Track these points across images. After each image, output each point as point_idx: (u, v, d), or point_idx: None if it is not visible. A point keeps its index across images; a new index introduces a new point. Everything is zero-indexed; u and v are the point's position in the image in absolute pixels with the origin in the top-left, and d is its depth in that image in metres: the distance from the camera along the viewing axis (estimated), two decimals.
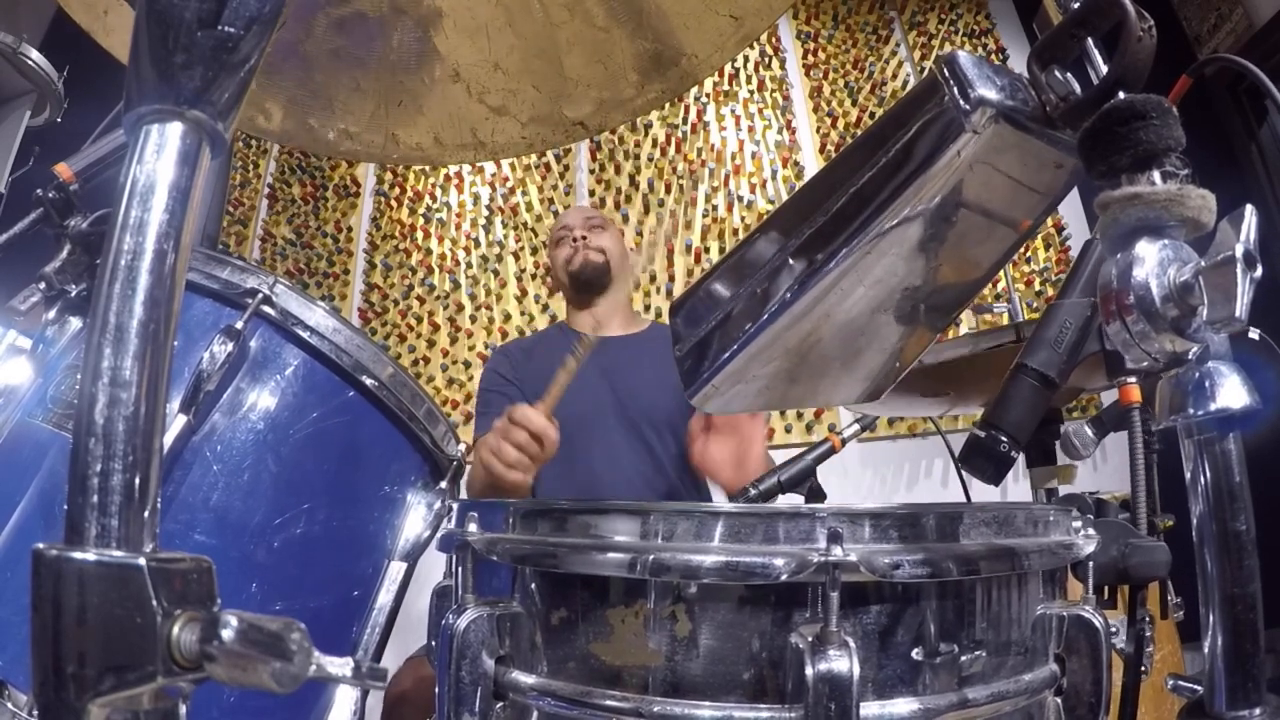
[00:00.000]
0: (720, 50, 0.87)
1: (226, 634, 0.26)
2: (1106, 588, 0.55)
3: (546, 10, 0.85)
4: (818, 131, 2.61)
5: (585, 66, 0.89)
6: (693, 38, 0.86)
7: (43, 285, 0.74)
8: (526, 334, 2.38)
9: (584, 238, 1.59)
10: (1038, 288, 2.34)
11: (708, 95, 2.66)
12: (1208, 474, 0.39)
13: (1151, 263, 0.35)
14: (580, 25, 0.86)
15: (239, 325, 0.67)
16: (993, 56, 2.65)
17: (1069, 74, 0.41)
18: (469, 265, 2.54)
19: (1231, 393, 0.36)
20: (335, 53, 0.87)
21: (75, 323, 0.75)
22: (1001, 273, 2.02)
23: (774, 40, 2.74)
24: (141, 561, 0.26)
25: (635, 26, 0.86)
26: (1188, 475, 0.40)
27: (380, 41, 0.88)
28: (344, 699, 0.69)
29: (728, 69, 2.65)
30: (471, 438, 1.48)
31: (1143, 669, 0.59)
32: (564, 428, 1.40)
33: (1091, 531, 0.52)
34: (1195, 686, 0.43)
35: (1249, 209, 0.36)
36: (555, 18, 0.86)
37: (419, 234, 2.60)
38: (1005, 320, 1.99)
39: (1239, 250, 0.34)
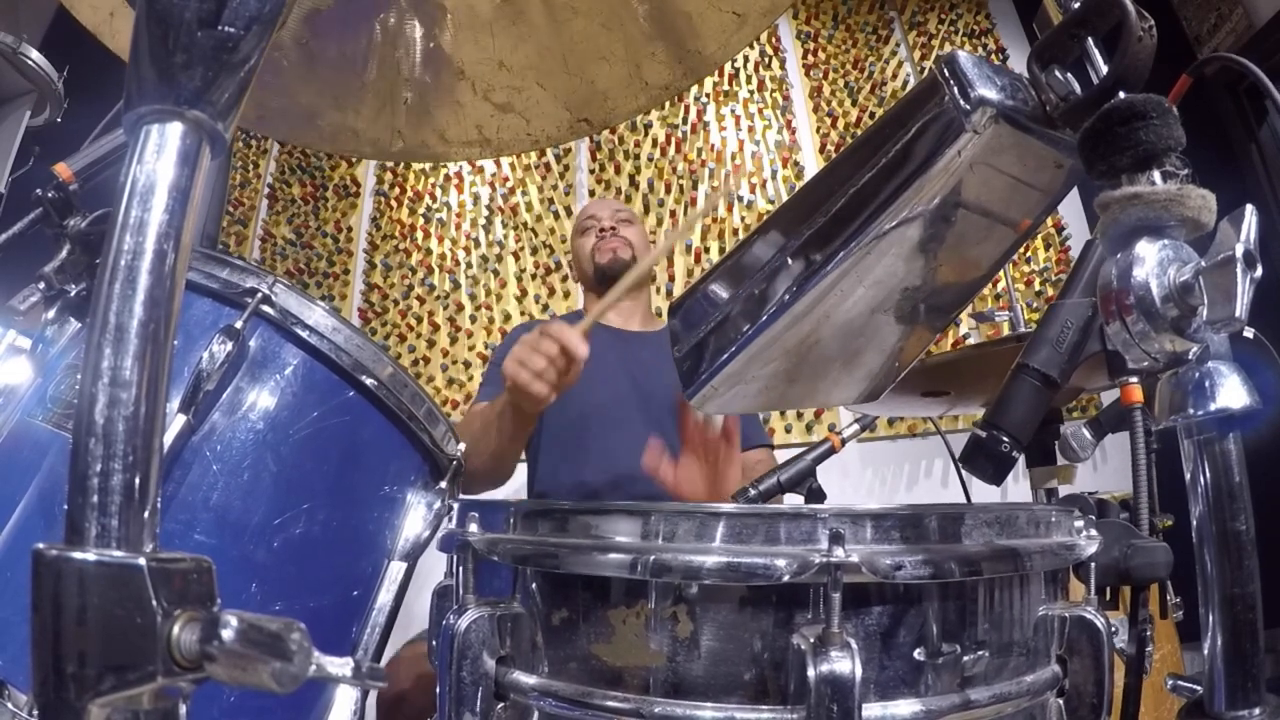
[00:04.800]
0: (724, 47, 0.87)
1: (226, 634, 0.26)
2: (1108, 588, 0.55)
3: (551, 7, 0.85)
4: (818, 131, 2.61)
5: (590, 63, 0.90)
6: (697, 33, 0.86)
7: (42, 285, 0.74)
8: None
9: (612, 229, 1.55)
10: (1038, 288, 2.34)
11: (708, 95, 2.66)
12: (1207, 474, 0.39)
13: (1151, 263, 0.35)
14: (584, 22, 0.86)
15: (239, 325, 0.67)
16: (993, 56, 2.65)
17: (1069, 74, 0.41)
18: (469, 265, 2.54)
19: (1231, 393, 0.36)
20: (341, 50, 0.87)
21: (75, 323, 0.75)
22: (1001, 273, 2.02)
23: (774, 40, 2.74)
24: (141, 561, 0.26)
25: (640, 22, 0.86)
26: (1187, 475, 0.40)
27: (386, 39, 0.88)
28: (344, 699, 0.69)
29: (727, 69, 2.65)
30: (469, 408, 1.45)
31: (1143, 669, 0.59)
32: (587, 417, 1.37)
33: (1093, 532, 0.52)
34: (1195, 686, 0.43)
35: (1249, 209, 0.36)
36: (559, 15, 0.86)
37: (419, 234, 2.60)
38: (1007, 329, 1.98)
39: (1239, 250, 0.34)
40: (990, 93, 0.40)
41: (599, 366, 1.41)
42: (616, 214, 1.61)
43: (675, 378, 0.51)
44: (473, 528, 0.49)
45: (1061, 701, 0.49)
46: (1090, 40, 0.40)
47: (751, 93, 2.67)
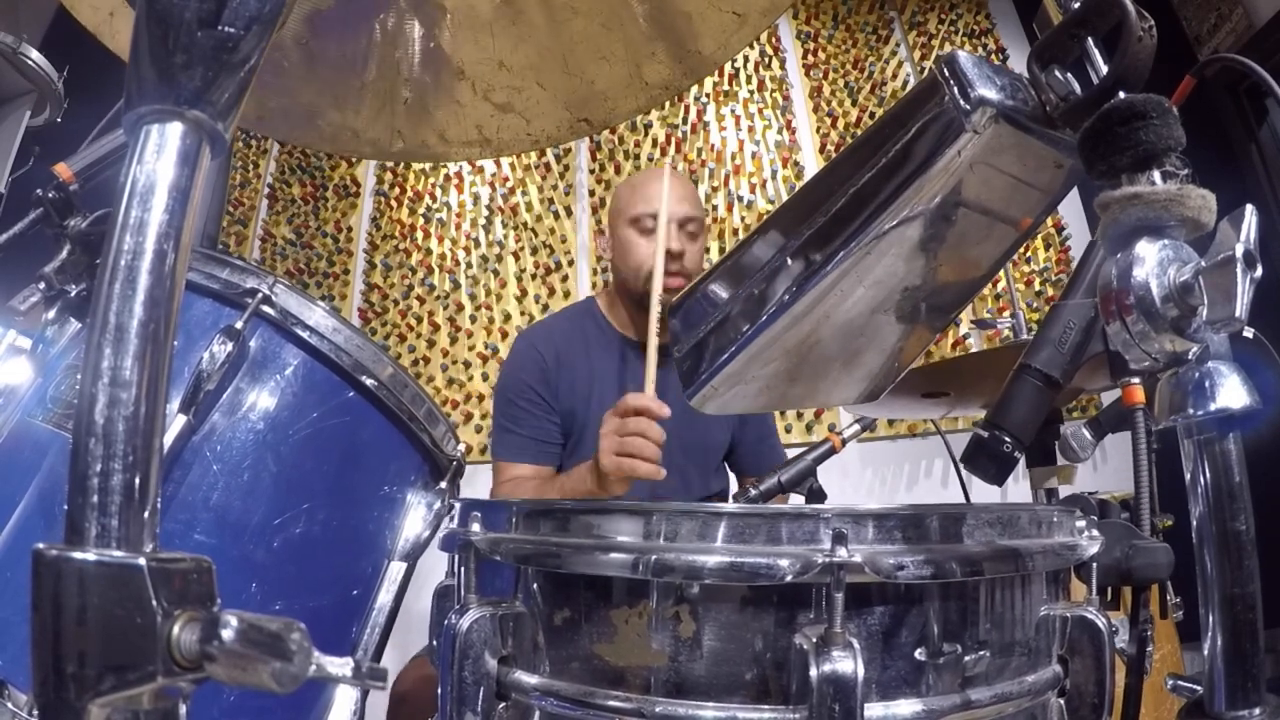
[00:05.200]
0: (724, 47, 0.88)
1: (226, 634, 0.26)
2: (1109, 589, 0.55)
3: (551, 8, 0.85)
4: (818, 131, 2.61)
5: (590, 63, 0.90)
6: (697, 33, 0.87)
7: (43, 285, 0.74)
8: None
9: (681, 254, 1.25)
10: (1038, 288, 2.34)
11: (708, 95, 2.66)
12: (1208, 474, 0.39)
13: (1151, 263, 0.35)
14: (584, 22, 0.86)
15: (239, 325, 0.67)
16: (993, 56, 2.65)
17: (1069, 74, 0.41)
18: (469, 265, 2.54)
19: (1231, 393, 0.36)
20: (341, 50, 0.88)
21: (75, 323, 0.75)
22: (1002, 273, 2.01)
23: (774, 40, 2.74)
24: (141, 561, 0.26)
25: (640, 22, 0.87)
26: (1188, 475, 0.40)
27: (385, 39, 0.88)
28: (344, 699, 0.69)
29: (728, 69, 2.64)
30: (491, 450, 1.34)
31: (1144, 669, 0.59)
32: (595, 427, 1.32)
33: (1095, 533, 0.52)
34: (1195, 686, 0.43)
35: (1249, 209, 0.36)
36: (559, 15, 0.86)
37: (419, 234, 2.60)
38: (1009, 334, 1.97)
39: (1239, 250, 0.34)
40: (990, 93, 0.40)
41: (614, 387, 1.35)
42: (687, 225, 1.28)
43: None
44: (475, 527, 0.49)
45: (1063, 701, 0.49)
46: (1090, 40, 0.40)
47: (751, 93, 2.67)
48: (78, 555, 0.26)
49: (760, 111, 2.64)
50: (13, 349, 0.74)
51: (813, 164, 2.57)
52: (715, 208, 2.51)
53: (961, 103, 0.40)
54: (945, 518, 0.45)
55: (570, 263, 2.51)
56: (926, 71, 0.64)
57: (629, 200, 1.34)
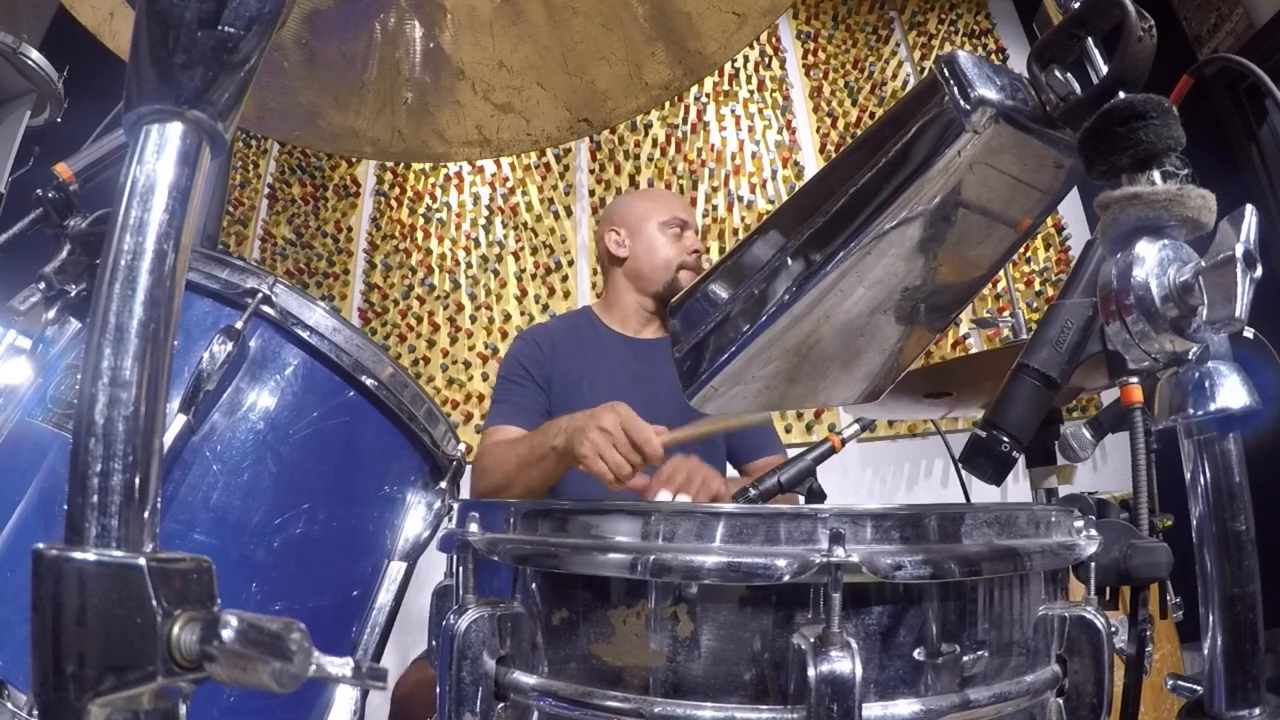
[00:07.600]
0: (724, 47, 0.88)
1: (226, 634, 0.26)
2: (1108, 588, 0.55)
3: (551, 8, 0.86)
4: (818, 131, 2.61)
5: (590, 63, 0.90)
6: (697, 33, 0.87)
7: (43, 285, 0.74)
8: None
9: (698, 253, 1.51)
10: (1038, 288, 2.34)
11: (708, 95, 2.66)
12: (1208, 474, 0.39)
13: (1151, 263, 0.35)
14: (584, 22, 0.87)
15: (239, 325, 0.67)
16: (993, 56, 2.65)
17: (1069, 74, 0.41)
18: (469, 265, 2.54)
19: (1231, 393, 0.36)
20: (341, 50, 0.88)
21: (75, 323, 0.75)
22: (1001, 273, 2.01)
23: (774, 40, 2.74)
24: (141, 561, 0.26)
25: (640, 22, 0.87)
26: (1188, 475, 0.40)
27: (386, 39, 0.88)
28: (344, 699, 0.69)
29: (727, 69, 2.64)
30: (481, 429, 1.41)
31: (1143, 669, 0.59)
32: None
33: (1093, 532, 0.52)
34: (1195, 686, 0.43)
35: (1249, 209, 0.36)
36: (559, 15, 0.86)
37: (419, 234, 2.60)
38: (1009, 334, 1.97)
39: (1239, 250, 0.34)
40: (990, 93, 0.40)
41: (605, 373, 1.40)
42: (696, 230, 1.55)
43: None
44: (473, 527, 0.49)
45: (1061, 701, 0.49)
46: (1090, 40, 0.40)
47: (751, 93, 2.67)
48: (78, 555, 0.26)
49: (760, 111, 2.64)
50: (13, 349, 0.74)
51: (813, 164, 2.57)
52: (715, 208, 2.51)
53: (961, 103, 0.40)
54: (943, 518, 0.45)
55: (570, 263, 2.51)
56: (926, 71, 0.64)
57: (655, 206, 1.54)
